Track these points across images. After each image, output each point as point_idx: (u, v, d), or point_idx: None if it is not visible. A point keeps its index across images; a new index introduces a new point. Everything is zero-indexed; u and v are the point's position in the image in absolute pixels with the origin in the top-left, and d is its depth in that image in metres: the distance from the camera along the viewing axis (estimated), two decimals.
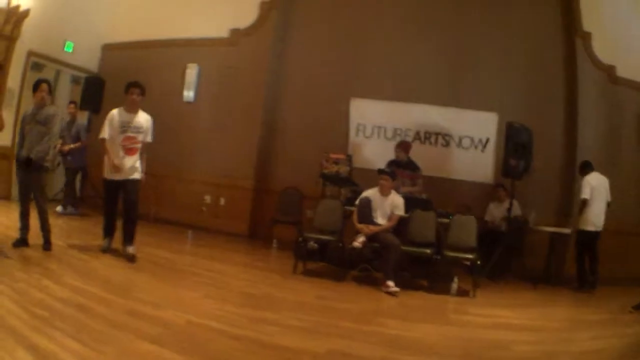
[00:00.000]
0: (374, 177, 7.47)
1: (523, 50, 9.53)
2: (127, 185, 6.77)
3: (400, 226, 7.30)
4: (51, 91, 6.65)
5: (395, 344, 4.62)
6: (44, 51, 10.36)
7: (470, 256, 6.96)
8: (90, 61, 11.76)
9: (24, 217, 6.37)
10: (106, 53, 12.00)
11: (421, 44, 9.77)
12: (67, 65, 11.17)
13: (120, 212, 6.95)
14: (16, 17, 9.42)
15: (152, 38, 11.26)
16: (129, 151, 6.76)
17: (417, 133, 9.82)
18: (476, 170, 9.52)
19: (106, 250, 6.89)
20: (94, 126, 9.77)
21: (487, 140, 9.53)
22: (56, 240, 6.66)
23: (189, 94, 11.00)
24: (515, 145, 8.01)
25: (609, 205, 8.17)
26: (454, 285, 6.99)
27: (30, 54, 10.04)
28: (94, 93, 10.19)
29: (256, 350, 4.08)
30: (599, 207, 8.08)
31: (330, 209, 7.85)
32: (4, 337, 3.52)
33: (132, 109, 6.83)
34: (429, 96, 9.70)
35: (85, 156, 9.82)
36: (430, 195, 8.19)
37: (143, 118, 6.89)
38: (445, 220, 7.51)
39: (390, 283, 6.59)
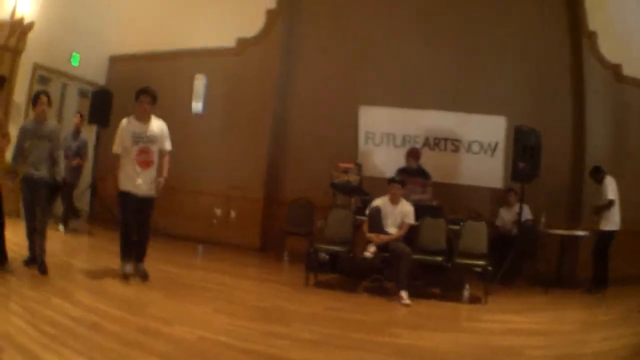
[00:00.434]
0: (384, 185, 7.44)
1: (529, 52, 9.46)
2: (145, 202, 6.40)
3: (410, 234, 7.25)
4: (50, 103, 6.32)
5: (407, 354, 4.59)
6: (50, 64, 10.36)
7: (481, 263, 6.90)
8: (98, 74, 11.74)
9: (33, 235, 6.19)
10: (113, 65, 12.00)
11: (428, 49, 9.70)
12: (74, 78, 11.16)
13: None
14: (20, 29, 9.40)
15: (159, 49, 11.24)
16: (144, 164, 6.33)
17: (427, 139, 9.75)
18: (486, 175, 9.43)
19: (129, 275, 6.33)
20: (102, 140, 9.77)
21: (496, 144, 9.45)
22: (65, 258, 6.65)
23: (197, 106, 11.02)
24: (524, 149, 7.97)
25: None
26: (466, 293, 6.96)
27: (36, 67, 10.03)
28: (102, 106, 10.12)
29: None
30: (617, 207, 8.06)
31: (341, 219, 7.83)
32: (13, 355, 3.50)
33: (143, 118, 6.37)
34: (437, 102, 9.63)
35: (80, 173, 9.55)
36: (440, 201, 8.16)
37: (156, 126, 6.44)
38: (456, 227, 7.46)
39: (404, 294, 6.52)
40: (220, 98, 10.87)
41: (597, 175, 8.28)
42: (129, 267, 6.39)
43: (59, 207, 9.17)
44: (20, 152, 6.14)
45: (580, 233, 8.26)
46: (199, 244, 10.10)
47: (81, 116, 9.72)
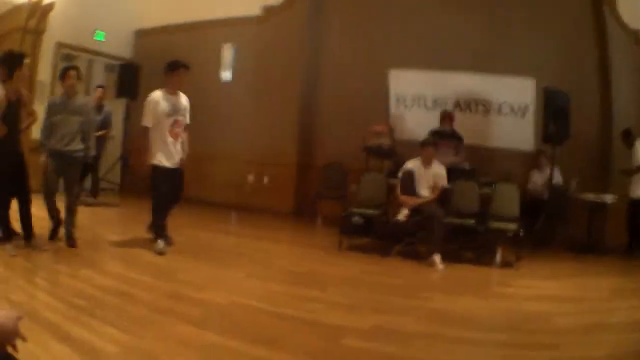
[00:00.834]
0: (416, 148, 7.34)
1: (555, 15, 9.16)
2: (177, 173, 6.36)
3: (443, 197, 7.15)
4: (79, 77, 6.27)
5: (439, 318, 4.56)
6: (73, 42, 10.41)
7: (513, 226, 6.80)
8: (123, 48, 11.82)
9: (53, 209, 6.10)
10: (139, 39, 12.08)
11: (457, 11, 9.46)
12: (100, 53, 11.24)
13: None
14: (40, 10, 9.45)
15: (184, 20, 11.26)
16: (175, 136, 6.28)
17: (457, 101, 9.58)
18: (517, 137, 9.24)
19: (164, 252, 6.12)
20: (132, 113, 9.82)
21: (526, 106, 9.25)
22: (94, 230, 6.68)
23: (226, 74, 11.05)
24: (554, 110, 7.77)
25: None
26: (498, 257, 6.88)
27: (60, 45, 10.10)
28: (130, 80, 10.22)
29: (299, 329, 4.04)
30: None
31: (374, 182, 7.77)
32: (39, 331, 3.36)
33: (175, 91, 6.31)
34: (467, 64, 9.39)
35: (105, 144, 9.60)
36: (472, 164, 8.04)
37: (184, 99, 6.43)
38: (488, 191, 7.36)
39: (437, 258, 6.46)
40: (249, 66, 10.83)
41: (628, 138, 8.08)
42: (164, 244, 6.24)
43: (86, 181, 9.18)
44: (48, 128, 6.03)
45: (609, 199, 8.09)
46: (232, 210, 10.14)
47: (103, 89, 9.69)
